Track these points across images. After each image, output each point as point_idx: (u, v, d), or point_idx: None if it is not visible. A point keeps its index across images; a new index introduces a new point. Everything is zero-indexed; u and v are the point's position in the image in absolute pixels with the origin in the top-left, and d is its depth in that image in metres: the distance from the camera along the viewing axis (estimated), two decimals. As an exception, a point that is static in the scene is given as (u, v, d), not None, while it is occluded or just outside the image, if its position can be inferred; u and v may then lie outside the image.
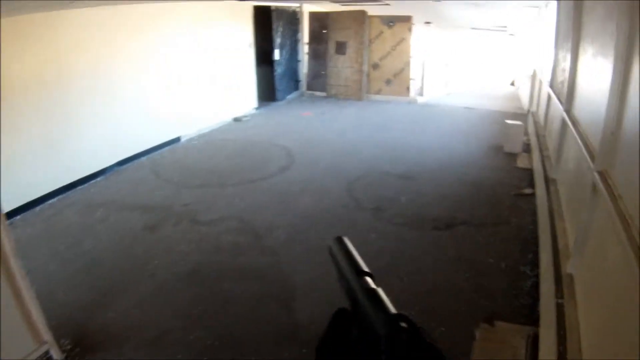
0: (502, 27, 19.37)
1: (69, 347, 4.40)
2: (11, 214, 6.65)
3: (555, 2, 9.39)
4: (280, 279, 5.41)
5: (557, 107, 7.17)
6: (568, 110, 6.32)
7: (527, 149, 10.33)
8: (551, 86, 8.75)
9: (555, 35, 9.20)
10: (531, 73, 14.72)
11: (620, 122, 3.50)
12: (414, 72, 16.60)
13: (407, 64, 16.25)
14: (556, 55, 8.86)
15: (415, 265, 5.68)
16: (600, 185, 3.50)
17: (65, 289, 5.21)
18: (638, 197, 2.87)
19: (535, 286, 5.13)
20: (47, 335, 4.26)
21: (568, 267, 4.45)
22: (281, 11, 15.21)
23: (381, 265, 5.63)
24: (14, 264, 3.90)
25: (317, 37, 17.21)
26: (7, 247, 3.84)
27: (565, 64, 7.15)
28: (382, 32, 16.31)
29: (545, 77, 10.05)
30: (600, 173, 3.67)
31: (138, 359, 4.25)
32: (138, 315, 4.81)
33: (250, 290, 5.19)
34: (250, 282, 5.34)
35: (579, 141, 4.82)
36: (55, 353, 4.34)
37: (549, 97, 8.72)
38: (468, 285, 5.26)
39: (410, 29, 15.93)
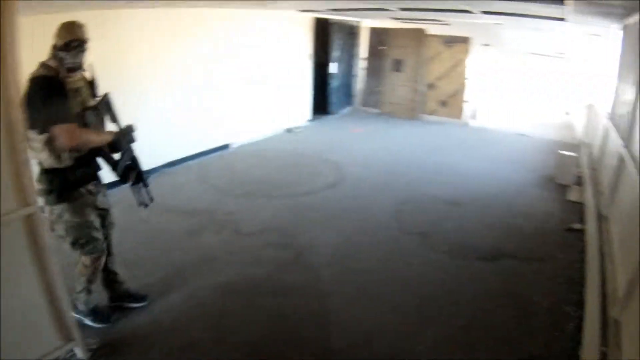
0: (560, 53, 19.11)
1: (94, 346, 4.37)
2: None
3: (620, 32, 9.17)
4: (318, 299, 5.32)
5: (615, 142, 6.95)
6: (627, 145, 6.12)
7: (579, 181, 10.06)
8: (610, 118, 8.52)
9: (618, 66, 8.96)
10: (587, 103, 14.43)
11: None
12: (469, 95, 16.41)
13: (463, 85, 16.05)
14: (618, 87, 8.63)
15: (457, 298, 5.53)
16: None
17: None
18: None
19: (579, 329, 4.93)
20: (74, 332, 4.24)
21: (615, 313, 4.27)
22: (340, 25, 15.20)
23: (423, 294, 5.54)
24: (48, 258, 3.89)
25: (374, 53, 17.17)
26: (43, 241, 3.83)
27: (627, 97, 6.94)
28: (439, 53, 16.15)
29: (603, 109, 9.81)
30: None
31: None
32: (168, 322, 4.78)
33: (286, 308, 5.12)
34: (287, 299, 5.27)
35: (638, 181, 4.63)
36: (80, 352, 4.31)
37: (606, 130, 8.49)
38: (508, 322, 5.09)
39: (467, 51, 15.75)
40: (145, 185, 4.74)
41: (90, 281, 4.58)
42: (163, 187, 8.24)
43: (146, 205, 4.77)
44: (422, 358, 4.48)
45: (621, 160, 6.22)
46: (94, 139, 4.12)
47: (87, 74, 4.25)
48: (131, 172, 4.57)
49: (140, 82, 8.34)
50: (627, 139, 6.28)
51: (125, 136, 4.41)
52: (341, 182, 9.26)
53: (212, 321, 4.83)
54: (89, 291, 4.62)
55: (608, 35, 10.40)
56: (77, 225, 4.23)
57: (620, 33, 8.92)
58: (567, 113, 20.52)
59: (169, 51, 9.02)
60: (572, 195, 9.25)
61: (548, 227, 7.71)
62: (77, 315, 4.59)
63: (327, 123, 15.06)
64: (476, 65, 16.52)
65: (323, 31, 14.46)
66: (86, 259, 4.44)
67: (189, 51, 9.48)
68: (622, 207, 5.85)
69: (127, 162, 4.52)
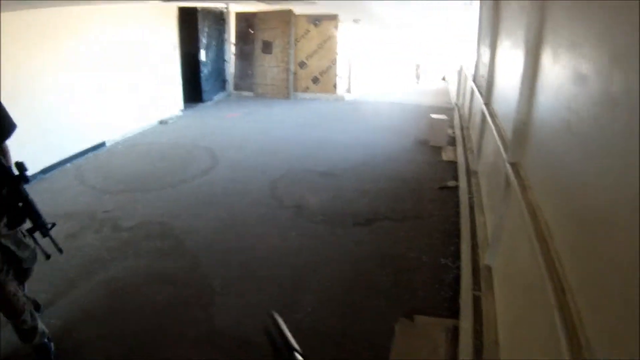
0: (431, 24, 19.68)
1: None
2: None
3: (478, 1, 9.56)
4: (199, 282, 5.29)
5: (478, 101, 7.27)
6: (487, 103, 6.41)
7: (452, 142, 10.45)
8: (474, 80, 8.88)
9: (478, 31, 9.34)
10: (458, 68, 14.93)
11: (530, 114, 3.54)
12: (342, 70, 16.64)
13: (334, 61, 16.28)
14: (478, 49, 9.00)
15: (335, 263, 5.64)
16: (512, 177, 3.52)
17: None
18: (545, 189, 2.90)
19: (457, 278, 5.14)
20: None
21: (486, 259, 4.50)
22: (207, 12, 14.94)
23: (300, 264, 5.61)
24: None
25: (244, 37, 17.09)
26: None
27: (486, 58, 7.26)
28: (308, 31, 16.29)
29: (469, 72, 10.20)
30: (513, 165, 3.69)
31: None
32: (59, 326, 4.67)
33: (169, 295, 5.06)
34: (169, 286, 5.20)
35: (496, 133, 4.87)
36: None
37: (472, 91, 8.84)
38: (388, 281, 5.24)
39: (336, 27, 15.96)
40: (45, 235, 4.04)
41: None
42: (40, 194, 7.98)
43: (49, 257, 4.10)
44: (301, 324, 4.54)
45: (483, 117, 6.50)
46: None
47: None
48: (23, 218, 3.88)
49: (10, 86, 7.97)
50: (487, 97, 6.57)
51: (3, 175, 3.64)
52: (216, 167, 9.19)
53: (100, 318, 4.72)
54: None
55: (472, 4, 10.84)
56: None
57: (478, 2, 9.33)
58: (443, 79, 21.14)
59: (38, 53, 8.45)
60: (446, 156, 9.62)
61: (423, 187, 8.01)
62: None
63: (201, 111, 14.86)
64: (348, 41, 16.76)
65: (190, 19, 14.16)
66: None
67: (57, 53, 8.95)
68: (487, 160, 6.14)
69: (16, 207, 3.83)
